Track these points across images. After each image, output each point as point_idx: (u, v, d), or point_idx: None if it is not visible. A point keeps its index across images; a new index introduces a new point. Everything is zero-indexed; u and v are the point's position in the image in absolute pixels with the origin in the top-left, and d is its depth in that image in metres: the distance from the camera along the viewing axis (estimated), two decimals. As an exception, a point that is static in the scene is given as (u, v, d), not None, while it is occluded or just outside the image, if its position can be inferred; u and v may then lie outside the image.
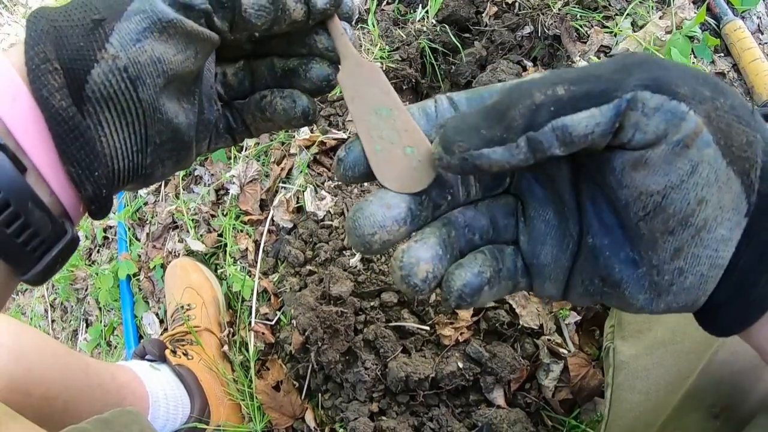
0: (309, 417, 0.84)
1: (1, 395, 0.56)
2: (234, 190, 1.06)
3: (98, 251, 1.30)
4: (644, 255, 0.24)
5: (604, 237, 0.25)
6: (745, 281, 0.24)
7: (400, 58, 1.02)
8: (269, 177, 1.04)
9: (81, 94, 0.26)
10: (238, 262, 1.01)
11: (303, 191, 0.97)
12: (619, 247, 0.25)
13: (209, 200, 1.10)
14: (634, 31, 0.97)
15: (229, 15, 0.29)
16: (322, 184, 0.98)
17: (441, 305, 0.82)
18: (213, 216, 1.08)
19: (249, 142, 1.09)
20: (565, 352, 0.77)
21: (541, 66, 1.00)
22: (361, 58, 0.31)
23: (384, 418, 0.77)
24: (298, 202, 0.98)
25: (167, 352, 0.88)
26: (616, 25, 0.98)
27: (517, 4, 1.03)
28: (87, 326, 1.24)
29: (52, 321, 1.32)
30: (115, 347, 1.16)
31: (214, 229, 1.07)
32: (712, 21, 0.99)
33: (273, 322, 0.92)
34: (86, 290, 1.26)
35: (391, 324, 0.81)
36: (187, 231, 1.10)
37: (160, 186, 1.21)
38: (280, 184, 1.02)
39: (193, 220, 1.10)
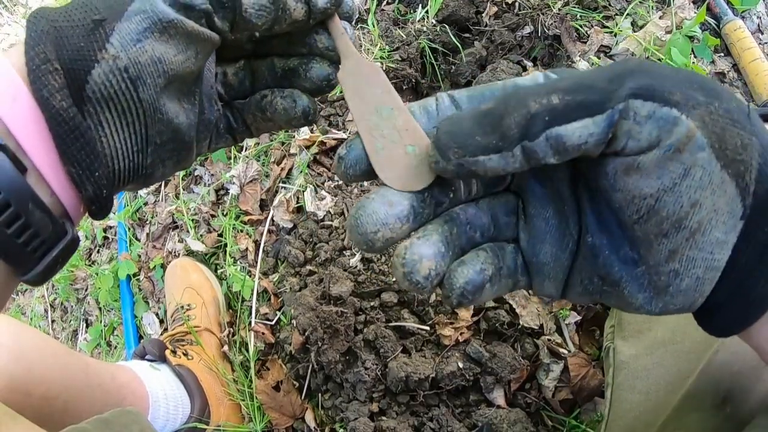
0: (309, 417, 0.84)
1: (1, 395, 0.56)
2: (234, 190, 1.06)
3: (98, 251, 1.30)
4: (642, 254, 0.24)
5: (603, 236, 0.25)
6: (745, 282, 0.24)
7: (400, 58, 1.02)
8: (269, 177, 1.04)
9: (81, 95, 0.26)
10: (238, 262, 1.01)
11: (303, 191, 0.97)
12: (618, 247, 0.25)
13: (209, 200, 1.10)
14: (634, 31, 0.97)
15: (230, 15, 0.29)
16: (322, 184, 0.98)
17: (441, 304, 0.82)
18: (213, 216, 1.08)
19: (249, 142, 1.09)
20: (565, 352, 0.77)
21: (541, 66, 1.00)
22: (361, 58, 0.31)
23: (384, 418, 0.77)
24: (298, 202, 0.98)
25: (167, 352, 0.88)
26: (616, 25, 0.98)
27: (517, 4, 1.03)
28: (87, 326, 1.24)
29: (52, 321, 1.32)
30: (115, 347, 1.16)
31: (214, 229, 1.07)
32: (712, 21, 0.99)
33: (273, 322, 0.92)
34: (86, 290, 1.26)
35: (391, 324, 0.81)
36: (187, 231, 1.10)
37: (160, 186, 1.21)
38: (280, 184, 1.02)
39: (193, 220, 1.10)
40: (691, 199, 0.22)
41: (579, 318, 0.79)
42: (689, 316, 0.27)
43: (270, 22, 0.30)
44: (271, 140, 1.07)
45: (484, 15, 1.05)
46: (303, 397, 0.85)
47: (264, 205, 1.04)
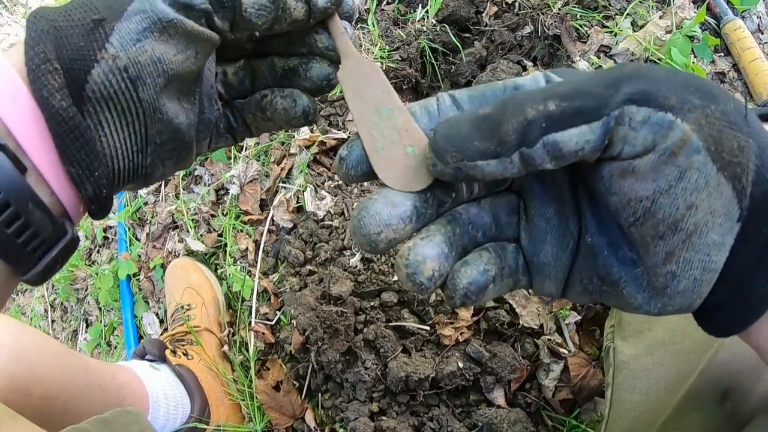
0: (309, 417, 0.84)
1: (1, 395, 0.56)
2: (234, 190, 1.06)
3: (98, 251, 1.30)
4: (641, 255, 0.25)
5: (603, 237, 0.26)
6: (744, 282, 0.24)
7: (400, 58, 1.02)
8: (269, 177, 1.04)
9: (81, 94, 0.26)
10: (238, 262, 1.01)
11: (303, 191, 0.97)
12: (618, 247, 0.25)
13: (209, 200, 1.10)
14: (634, 31, 0.97)
15: (230, 15, 0.29)
16: (322, 184, 0.98)
17: (441, 304, 0.82)
18: (213, 216, 1.08)
19: (249, 142, 1.09)
20: (566, 351, 0.77)
21: (541, 66, 1.00)
22: (361, 58, 0.31)
23: (384, 418, 0.77)
24: (298, 202, 0.98)
25: (167, 352, 0.88)
26: (616, 24, 0.98)
27: (517, 4, 1.03)
28: (87, 326, 1.24)
29: (52, 321, 1.32)
30: (115, 347, 1.16)
31: (214, 229, 1.07)
32: (712, 21, 0.99)
33: (273, 322, 0.92)
34: (86, 290, 1.26)
35: (391, 324, 0.81)
36: (187, 231, 1.10)
37: (160, 186, 1.21)
38: (280, 184, 1.02)
39: (193, 220, 1.10)
40: (687, 202, 0.22)
41: (579, 318, 0.79)
42: (689, 316, 0.27)
43: (270, 22, 0.30)
44: (271, 140, 1.07)
45: (484, 15, 1.05)
46: (303, 397, 0.85)
47: (264, 205, 1.04)
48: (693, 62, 0.93)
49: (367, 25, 1.09)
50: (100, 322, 1.20)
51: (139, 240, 1.21)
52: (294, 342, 0.82)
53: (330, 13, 0.32)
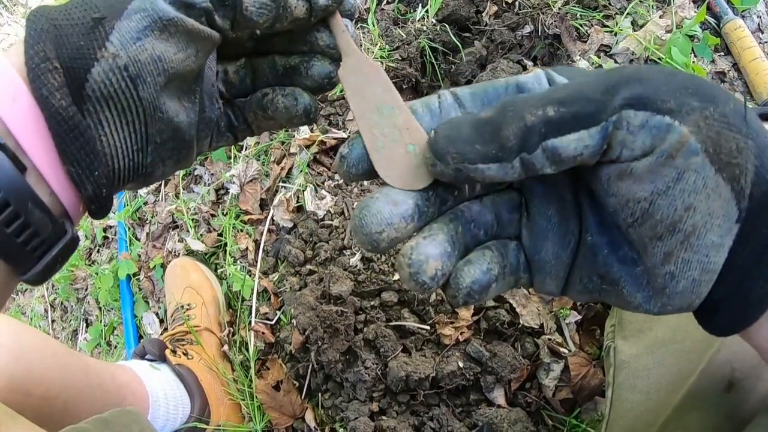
0: (309, 417, 0.84)
1: (1, 395, 0.56)
2: (234, 189, 1.06)
3: (98, 251, 1.30)
4: (641, 255, 0.25)
5: (603, 235, 0.26)
6: (743, 282, 0.24)
7: (400, 58, 1.02)
8: (269, 176, 1.03)
9: (81, 93, 0.26)
10: (238, 262, 1.01)
11: (303, 191, 0.97)
12: (618, 246, 0.25)
13: (209, 200, 1.10)
14: (634, 30, 0.97)
15: (230, 13, 0.29)
16: (322, 183, 0.98)
17: (441, 304, 0.82)
18: (213, 215, 1.08)
19: (249, 142, 1.09)
20: (566, 351, 0.77)
21: (541, 65, 1.00)
22: (362, 56, 0.31)
23: (384, 417, 0.77)
24: (298, 202, 0.98)
25: (167, 351, 0.88)
26: (617, 24, 0.98)
27: (517, 4, 1.03)
28: (87, 326, 1.24)
29: (52, 321, 1.32)
30: (115, 347, 1.16)
31: (214, 229, 1.07)
32: (712, 20, 0.99)
33: (273, 322, 0.92)
34: (86, 290, 1.26)
35: (391, 323, 0.81)
36: (187, 231, 1.10)
37: (160, 185, 1.21)
38: (280, 184, 1.02)
39: (193, 219, 1.10)
40: (685, 203, 0.22)
41: (579, 317, 0.79)
42: (690, 316, 0.27)
43: (271, 20, 0.30)
44: (271, 139, 1.07)
45: (484, 14, 1.05)
46: (303, 397, 0.85)
47: (264, 205, 1.03)
48: (693, 62, 0.93)
49: (367, 24, 1.09)
50: (100, 321, 1.20)
51: (139, 240, 1.20)
52: (294, 342, 0.82)
53: (331, 11, 0.32)
